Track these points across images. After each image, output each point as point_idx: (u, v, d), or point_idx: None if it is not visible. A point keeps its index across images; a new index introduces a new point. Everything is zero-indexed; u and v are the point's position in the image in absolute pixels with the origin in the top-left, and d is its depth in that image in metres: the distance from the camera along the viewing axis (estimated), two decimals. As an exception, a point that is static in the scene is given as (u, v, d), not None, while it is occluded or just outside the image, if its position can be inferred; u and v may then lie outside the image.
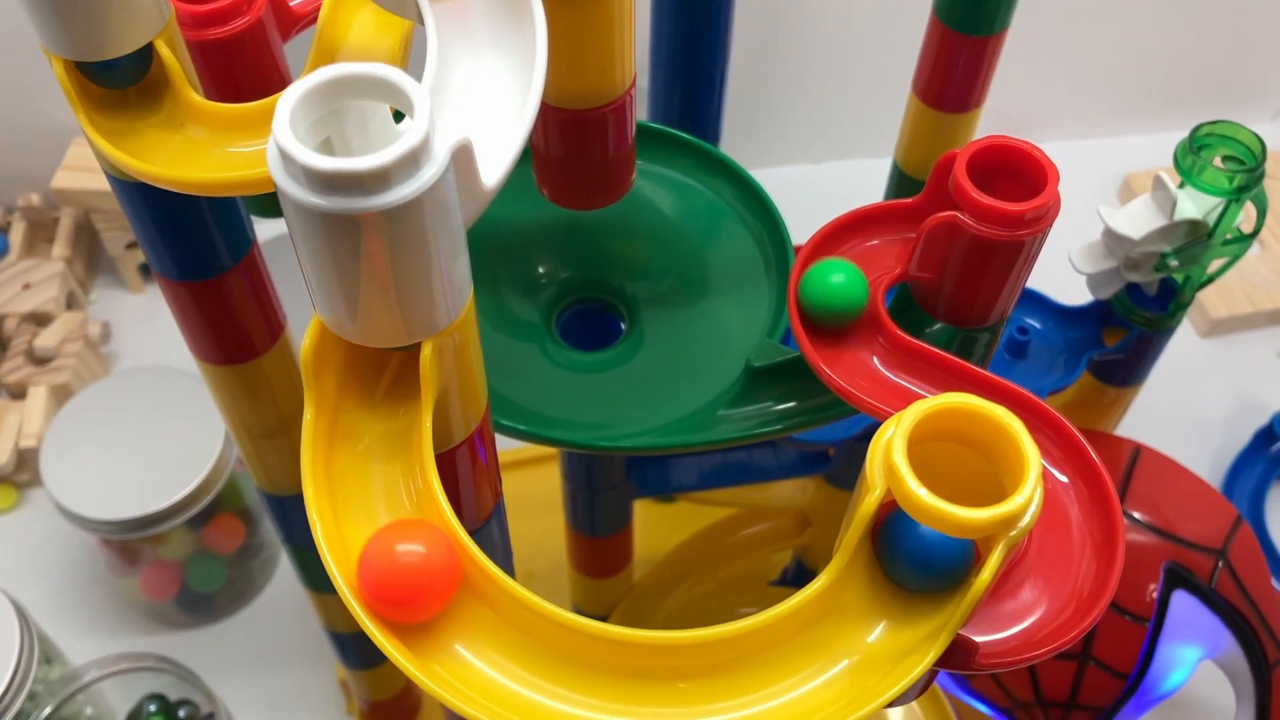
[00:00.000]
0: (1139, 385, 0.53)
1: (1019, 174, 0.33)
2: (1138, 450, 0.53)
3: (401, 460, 0.25)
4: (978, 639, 0.27)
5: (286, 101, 0.21)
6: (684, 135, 0.41)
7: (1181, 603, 0.49)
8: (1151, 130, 0.89)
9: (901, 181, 0.53)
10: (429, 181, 0.21)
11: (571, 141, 0.35)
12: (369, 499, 0.24)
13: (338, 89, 0.21)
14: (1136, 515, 0.50)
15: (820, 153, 0.87)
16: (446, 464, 0.28)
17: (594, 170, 0.36)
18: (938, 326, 0.36)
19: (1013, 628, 0.27)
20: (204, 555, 0.67)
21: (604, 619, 0.58)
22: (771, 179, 0.88)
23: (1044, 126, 0.87)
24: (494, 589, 0.24)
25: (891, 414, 0.32)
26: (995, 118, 0.88)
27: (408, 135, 0.20)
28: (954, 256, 0.33)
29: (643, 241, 0.42)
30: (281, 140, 0.20)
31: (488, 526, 0.32)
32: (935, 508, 0.21)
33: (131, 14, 0.28)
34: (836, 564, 0.24)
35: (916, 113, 0.51)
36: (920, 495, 0.22)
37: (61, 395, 0.74)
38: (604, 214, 0.41)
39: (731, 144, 0.60)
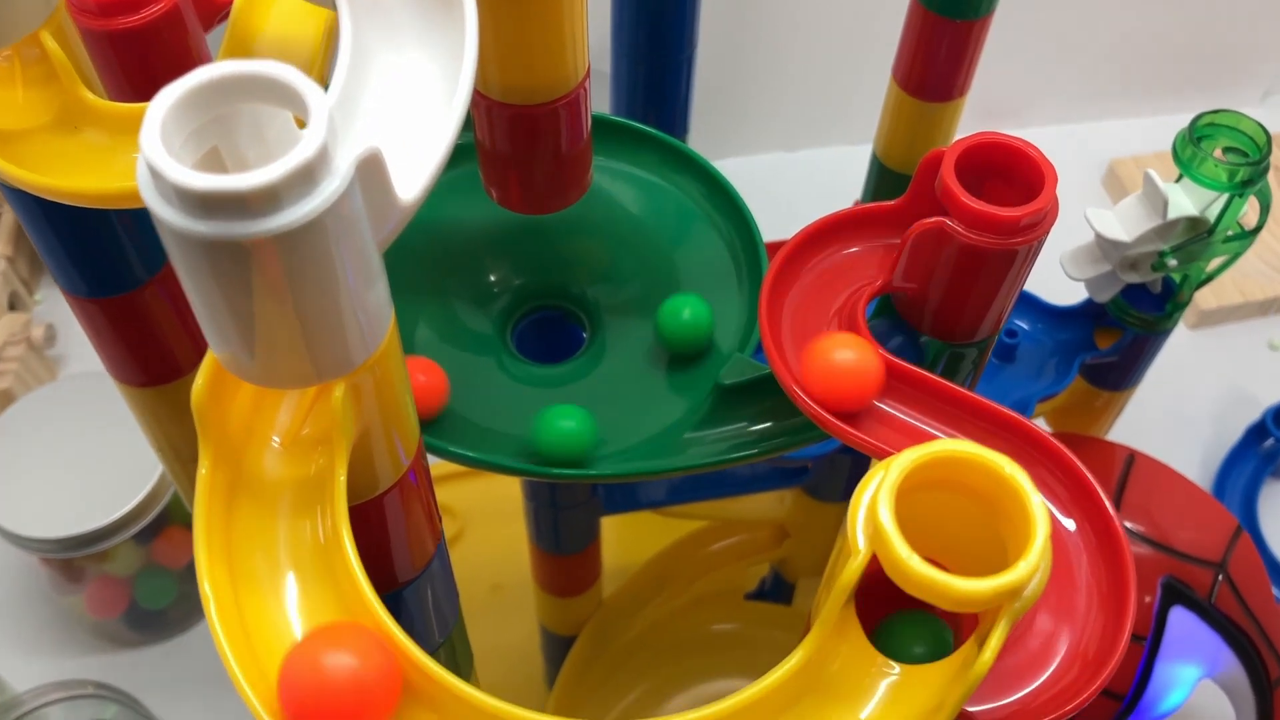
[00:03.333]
0: (1133, 389, 0.50)
1: (1011, 174, 0.30)
2: (1132, 457, 0.50)
3: (314, 517, 0.22)
4: (970, 709, 0.24)
5: (158, 108, 0.18)
6: (647, 129, 0.37)
7: (1180, 619, 0.47)
8: (1135, 115, 0.86)
9: (881, 175, 0.50)
10: (329, 200, 0.18)
11: (520, 140, 0.32)
12: (275, 570, 0.21)
13: (219, 92, 0.18)
14: (1131, 527, 0.48)
15: (797, 140, 0.84)
16: (374, 512, 0.25)
17: (546, 171, 0.33)
18: (921, 340, 0.33)
19: (1009, 696, 0.24)
20: (153, 570, 0.64)
21: (572, 639, 0.56)
22: (746, 168, 0.85)
23: (1024, 112, 0.84)
24: (443, 694, 0.20)
25: (869, 444, 0.30)
26: (971, 104, 0.85)
27: (301, 146, 0.17)
28: (941, 266, 0.30)
29: (604, 243, 0.38)
30: (150, 154, 0.17)
31: (428, 574, 0.29)
32: (930, 579, 0.18)
33: (9, 3, 0.25)
34: (817, 635, 0.21)
35: (896, 101, 0.47)
36: (913, 566, 0.19)
37: (2, 402, 0.70)
38: (561, 214, 0.38)
39: (701, 132, 0.57)
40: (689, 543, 0.55)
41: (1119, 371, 0.48)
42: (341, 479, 0.21)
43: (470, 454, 0.35)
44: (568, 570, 0.50)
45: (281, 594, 0.20)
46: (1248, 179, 0.40)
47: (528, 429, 0.36)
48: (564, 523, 0.48)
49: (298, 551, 0.21)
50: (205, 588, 0.20)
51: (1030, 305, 0.48)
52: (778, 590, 0.57)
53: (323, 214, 0.18)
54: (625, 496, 0.47)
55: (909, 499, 0.20)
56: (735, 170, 0.38)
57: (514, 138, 0.32)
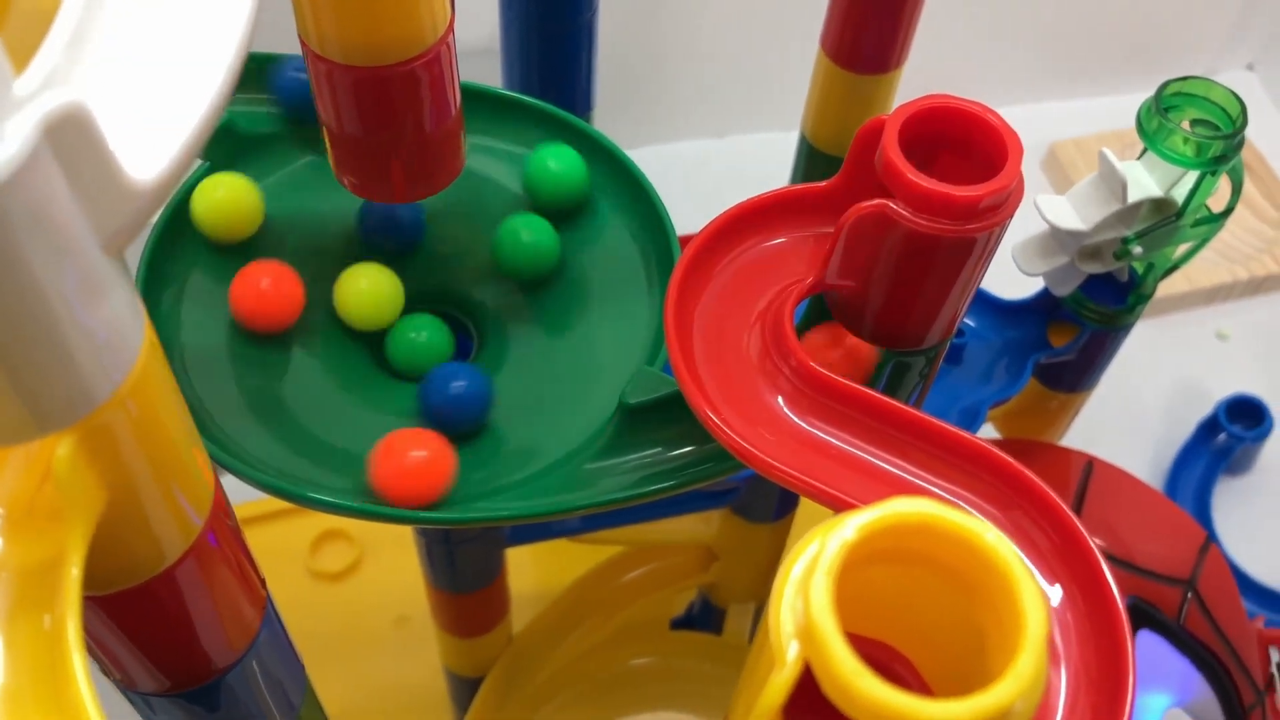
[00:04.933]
0: (1090, 390, 0.46)
1: (967, 146, 0.25)
2: (1090, 464, 0.46)
3: (45, 613, 0.16)
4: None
5: None
6: (532, 100, 0.32)
7: (1147, 644, 0.42)
8: (1075, 96, 0.82)
9: (811, 158, 0.45)
10: (-8, 178, 0.12)
11: (370, 111, 0.26)
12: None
13: None
14: (1093, 542, 0.43)
15: (725, 124, 0.79)
16: (165, 590, 0.19)
17: (406, 149, 0.27)
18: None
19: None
20: None
21: (479, 680, 0.50)
22: (665, 156, 0.79)
23: (960, 93, 0.80)
24: None
25: (798, 480, 0.24)
26: (905, 85, 0.81)
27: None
28: (884, 259, 0.25)
29: (487, 237, 0.33)
30: None
31: (253, 652, 0.23)
32: (885, 705, 0.13)
33: None
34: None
35: (826, 75, 0.42)
36: (861, 687, 0.13)
37: None
38: (435, 203, 0.32)
39: (614, 116, 0.51)
40: (608, 570, 0.49)
41: (1075, 371, 0.44)
42: (74, 563, 0.15)
43: (328, 499, 0.29)
44: (469, 610, 0.45)
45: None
46: (1221, 154, 0.36)
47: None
48: (461, 559, 0.42)
49: (16, 662, 0.15)
50: None
51: (977, 300, 0.43)
52: (706, 617, 0.52)
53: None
54: (530, 526, 0.42)
55: (852, 575, 0.15)
56: (656, 159, 0.32)
57: (362, 109, 0.26)
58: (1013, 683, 0.13)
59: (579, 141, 0.32)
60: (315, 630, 0.57)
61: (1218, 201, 0.40)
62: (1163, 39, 0.81)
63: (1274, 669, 0.45)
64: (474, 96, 0.32)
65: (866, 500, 0.23)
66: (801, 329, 0.28)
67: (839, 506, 0.24)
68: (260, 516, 0.59)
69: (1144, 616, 0.42)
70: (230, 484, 0.57)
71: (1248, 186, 0.78)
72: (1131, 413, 0.68)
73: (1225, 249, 0.75)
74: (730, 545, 0.47)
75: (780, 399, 0.25)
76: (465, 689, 0.50)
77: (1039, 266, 0.39)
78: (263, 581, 0.24)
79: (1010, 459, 0.22)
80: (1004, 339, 0.43)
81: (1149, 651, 0.42)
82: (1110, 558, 0.43)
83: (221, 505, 0.20)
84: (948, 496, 0.22)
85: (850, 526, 0.14)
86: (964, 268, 0.25)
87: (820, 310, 0.28)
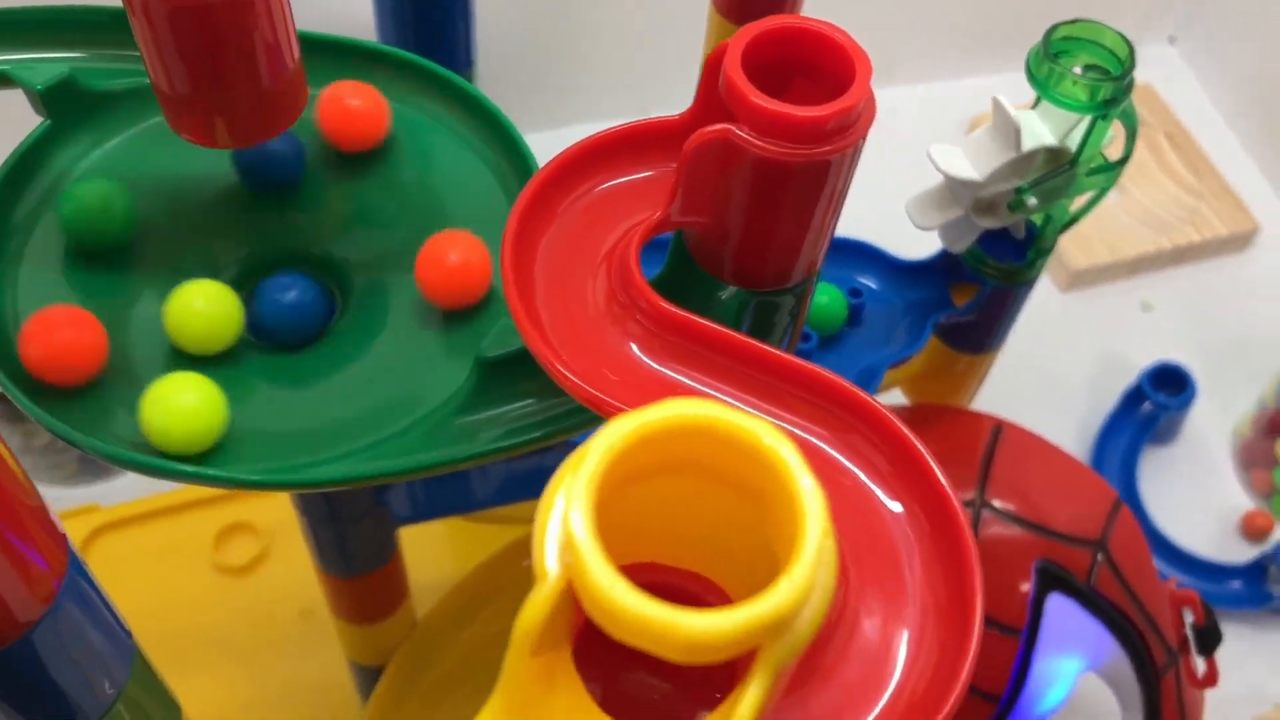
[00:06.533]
0: (996, 351, 0.45)
1: (818, 69, 0.24)
2: (999, 427, 0.45)
3: None
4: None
5: None
6: (382, 46, 0.30)
7: (1058, 607, 0.41)
8: (998, 71, 0.82)
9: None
10: None
11: (193, 44, 0.24)
12: None
13: None
14: (1000, 506, 0.42)
15: (648, 104, 0.77)
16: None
17: (245, 86, 0.25)
18: (729, 292, 0.27)
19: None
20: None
21: (380, 669, 0.48)
22: (562, 144, 0.78)
23: (882, 70, 0.79)
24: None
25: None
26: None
27: None
28: (734, 190, 0.23)
29: (345, 188, 0.31)
30: None
31: (49, 619, 0.21)
32: (638, 617, 0.12)
33: None
34: (496, 702, 0.14)
35: (717, 32, 0.41)
36: (618, 599, 0.12)
37: None
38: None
39: (507, 102, 0.49)
40: (512, 551, 0.48)
41: (979, 331, 0.43)
42: None
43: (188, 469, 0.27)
44: (364, 594, 0.43)
45: None
46: (1111, 97, 0.35)
47: (264, 423, 0.29)
48: (350, 540, 0.40)
49: None
50: None
51: (877, 261, 0.42)
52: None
53: None
54: (420, 502, 0.40)
55: (646, 491, 0.14)
56: (550, 147, 0.30)
57: (182, 41, 0.24)
58: (787, 587, 0.12)
59: (432, 84, 0.30)
60: (220, 625, 0.55)
61: (1117, 153, 0.39)
62: (1083, 12, 0.81)
63: (1187, 630, 0.44)
64: (322, 47, 0.30)
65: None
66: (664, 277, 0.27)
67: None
68: (163, 510, 0.57)
69: (1054, 579, 0.41)
70: (131, 482, 0.55)
71: (1170, 157, 0.78)
72: (1057, 384, 0.68)
73: (1148, 219, 0.74)
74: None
75: (633, 344, 0.24)
76: (370, 679, 0.48)
77: (934, 219, 0.38)
78: (66, 542, 0.22)
79: (849, 385, 0.20)
80: (906, 300, 0.42)
81: (1060, 615, 0.42)
82: (1019, 520, 0.42)
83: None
84: (787, 427, 0.21)
85: (610, 433, 0.13)
86: (820, 196, 0.24)
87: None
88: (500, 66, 0.65)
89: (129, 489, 0.57)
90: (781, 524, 0.13)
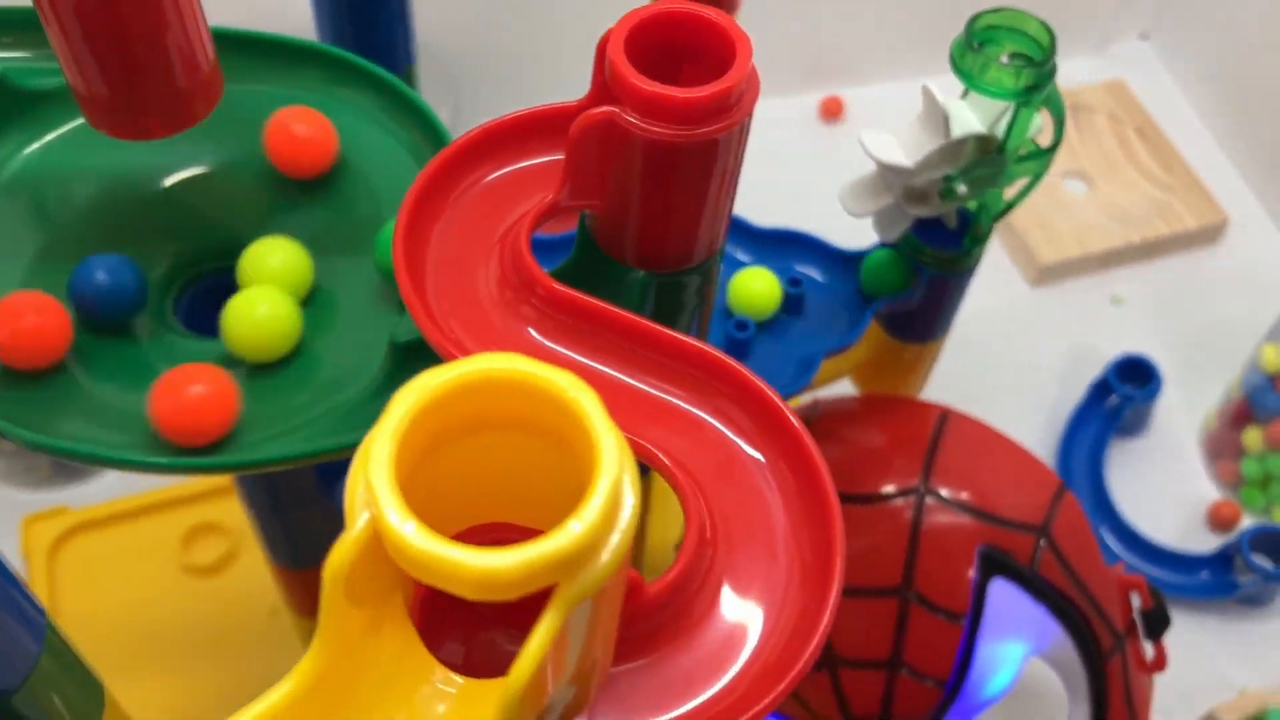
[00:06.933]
0: (941, 339, 0.45)
1: (704, 53, 0.24)
2: (944, 416, 0.45)
3: None
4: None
5: None
6: (290, 39, 0.31)
7: (1001, 592, 0.42)
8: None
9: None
10: None
11: (97, 24, 0.25)
12: None
13: None
14: (944, 493, 0.43)
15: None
16: None
17: (153, 66, 0.26)
18: (635, 276, 0.27)
19: (679, 706, 0.18)
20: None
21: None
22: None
23: (853, 69, 0.79)
24: None
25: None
26: (799, 61, 0.80)
27: None
28: (625, 173, 0.24)
29: (264, 175, 0.32)
30: None
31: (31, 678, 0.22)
32: (427, 554, 0.12)
33: None
34: (315, 649, 0.15)
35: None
36: (407, 537, 0.12)
37: None
38: (214, 152, 0.31)
39: (471, 99, 0.50)
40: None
41: (922, 320, 0.43)
42: None
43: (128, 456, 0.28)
44: (316, 586, 0.43)
45: None
46: (1033, 83, 0.35)
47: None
48: (298, 529, 0.41)
49: None
50: None
51: (818, 251, 0.43)
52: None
53: None
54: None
55: (484, 451, 0.14)
56: None
57: (85, 21, 0.25)
58: (576, 526, 0.12)
59: (344, 73, 0.31)
60: (190, 624, 0.56)
61: (1047, 138, 0.39)
62: (1053, 9, 0.81)
63: (1135, 615, 0.44)
64: (233, 41, 0.31)
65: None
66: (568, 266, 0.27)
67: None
68: (132, 512, 0.57)
69: (996, 564, 0.42)
70: (102, 484, 0.55)
71: (1140, 152, 0.78)
72: (1026, 378, 0.68)
73: (1118, 213, 0.75)
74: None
75: (530, 328, 0.24)
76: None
77: (866, 206, 0.38)
78: (40, 610, 0.23)
79: (711, 349, 0.21)
80: (848, 290, 0.43)
81: (1003, 599, 0.42)
82: (963, 506, 0.43)
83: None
84: (665, 396, 0.21)
85: (419, 383, 0.13)
86: (711, 175, 0.24)
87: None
88: (453, 63, 0.65)
89: (100, 491, 0.58)
90: (588, 473, 0.13)
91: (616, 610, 0.16)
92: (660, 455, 0.20)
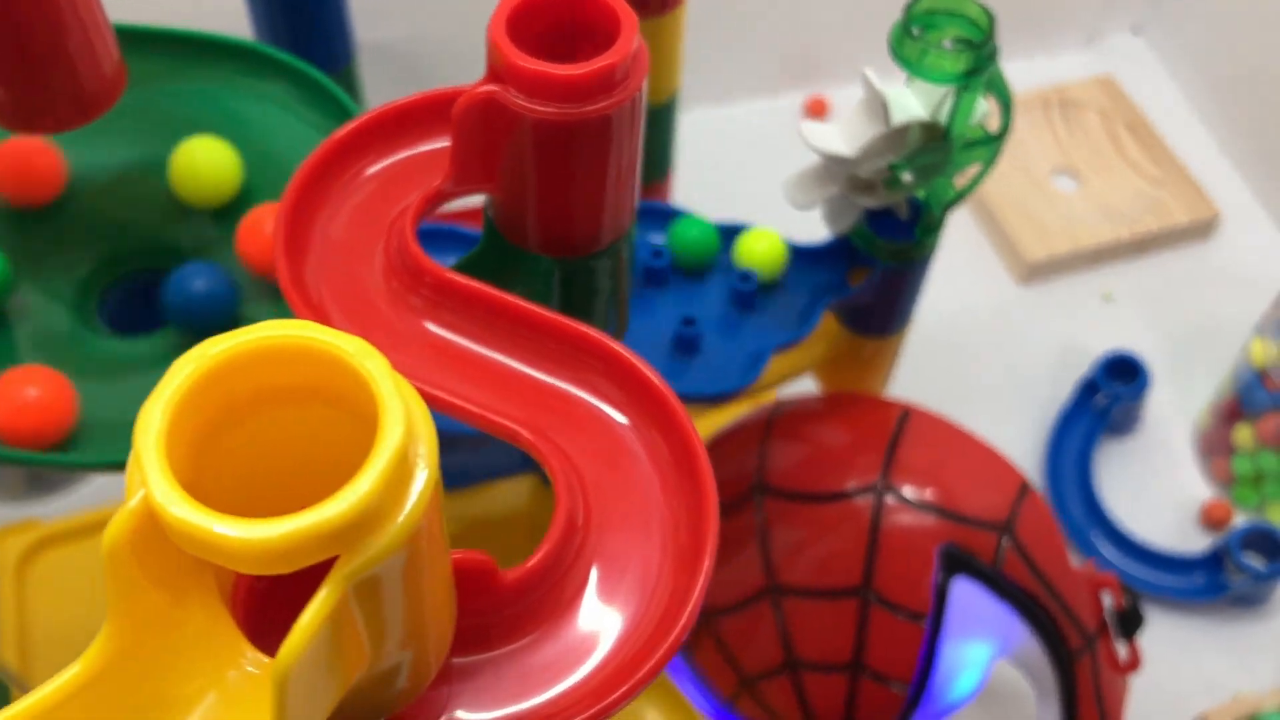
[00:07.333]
0: (900, 333, 0.44)
1: (593, 33, 0.24)
2: (906, 413, 0.44)
3: None
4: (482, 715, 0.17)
5: None
6: (199, 33, 0.30)
7: (963, 591, 0.41)
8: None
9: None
10: None
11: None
12: None
13: None
14: (904, 492, 0.42)
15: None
16: None
17: (48, 60, 0.26)
18: (544, 264, 0.26)
19: (519, 701, 0.17)
20: None
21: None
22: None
23: (837, 68, 0.79)
24: None
25: (448, 401, 0.23)
26: (786, 61, 0.79)
27: None
28: (518, 155, 0.23)
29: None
30: None
31: None
32: (188, 525, 0.12)
33: None
34: (109, 625, 0.14)
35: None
36: (172, 510, 0.12)
37: None
38: (133, 153, 0.31)
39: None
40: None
41: (880, 314, 0.42)
42: None
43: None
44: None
45: None
46: (973, 66, 0.34)
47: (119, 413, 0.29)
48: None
49: None
50: None
51: (771, 245, 0.42)
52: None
53: None
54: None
55: (272, 423, 0.13)
56: None
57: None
58: (351, 493, 0.12)
59: (259, 65, 0.30)
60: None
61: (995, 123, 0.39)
62: (1044, 3, 0.80)
63: (1106, 614, 0.43)
64: (149, 40, 0.31)
65: (491, 406, 0.22)
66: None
67: (474, 421, 0.22)
68: (102, 524, 0.57)
69: (958, 562, 0.41)
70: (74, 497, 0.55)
71: (1131, 148, 0.77)
72: (1016, 377, 0.67)
73: (1109, 209, 0.73)
74: (548, 515, 0.45)
75: (414, 312, 0.24)
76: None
77: (810, 198, 0.37)
78: None
79: (586, 329, 0.20)
80: (806, 284, 0.42)
81: (966, 599, 0.41)
82: (924, 505, 0.42)
83: None
84: (542, 376, 0.21)
85: (199, 351, 0.13)
86: (608, 154, 0.24)
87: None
88: (408, 64, 0.65)
89: (71, 504, 0.58)
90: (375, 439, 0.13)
91: (445, 578, 0.15)
92: (529, 436, 0.20)
